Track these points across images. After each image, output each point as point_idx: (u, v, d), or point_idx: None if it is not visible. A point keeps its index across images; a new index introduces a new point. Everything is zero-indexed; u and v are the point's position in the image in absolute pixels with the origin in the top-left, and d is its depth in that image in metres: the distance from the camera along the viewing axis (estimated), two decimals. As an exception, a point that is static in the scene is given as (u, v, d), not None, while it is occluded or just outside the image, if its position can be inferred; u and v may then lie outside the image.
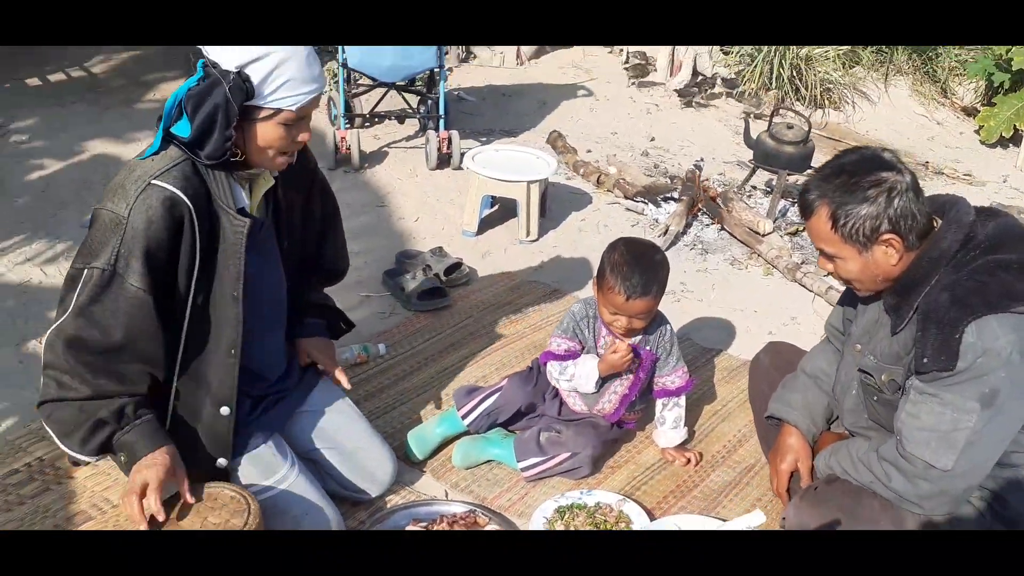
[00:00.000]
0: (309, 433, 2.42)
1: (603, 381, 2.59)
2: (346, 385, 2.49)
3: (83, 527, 2.29)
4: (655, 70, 6.35)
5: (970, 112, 6.91)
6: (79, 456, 2.02)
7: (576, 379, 2.56)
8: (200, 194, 2.00)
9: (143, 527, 1.91)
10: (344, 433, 2.45)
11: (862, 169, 2.06)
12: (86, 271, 1.95)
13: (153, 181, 1.93)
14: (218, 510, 2.03)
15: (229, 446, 2.18)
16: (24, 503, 2.37)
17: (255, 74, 1.93)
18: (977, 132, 6.54)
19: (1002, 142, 6.45)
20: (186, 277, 2.01)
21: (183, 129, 1.95)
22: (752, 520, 2.31)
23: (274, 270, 2.29)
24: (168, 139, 1.99)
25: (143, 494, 1.92)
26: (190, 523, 1.97)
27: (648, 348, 2.62)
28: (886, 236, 2.03)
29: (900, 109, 6.83)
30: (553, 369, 2.60)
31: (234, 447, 2.20)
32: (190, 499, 1.98)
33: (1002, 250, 2.04)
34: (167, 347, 2.05)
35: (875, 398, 2.22)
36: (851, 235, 2.04)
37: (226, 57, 1.92)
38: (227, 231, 2.05)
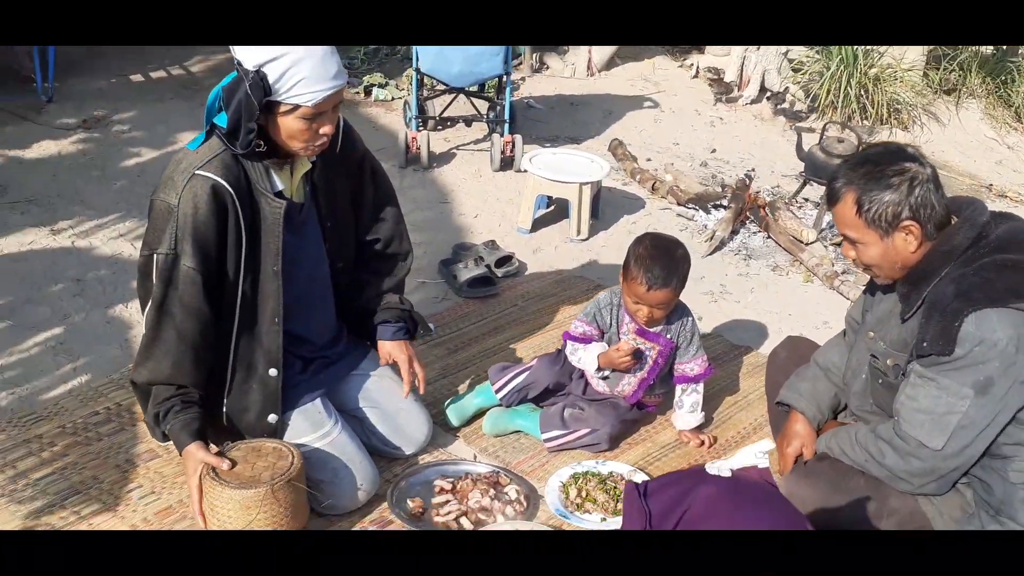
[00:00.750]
0: (356, 393, 2.68)
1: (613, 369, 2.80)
2: (407, 393, 2.68)
3: (150, 464, 2.60)
4: (727, 85, 6.50)
5: (1045, 137, 6.88)
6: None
7: (581, 362, 2.80)
8: (240, 180, 2.25)
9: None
10: (387, 395, 2.70)
11: (886, 159, 2.23)
12: (155, 257, 2.23)
13: (197, 172, 2.19)
14: (265, 456, 2.30)
15: (279, 403, 2.45)
16: (102, 439, 2.69)
17: (272, 72, 2.14)
18: (1050, 158, 6.52)
19: (1072, 170, 6.43)
20: (235, 255, 2.29)
21: (223, 120, 2.21)
22: (762, 447, 2.51)
23: (314, 248, 2.52)
24: (212, 130, 2.25)
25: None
26: (242, 469, 2.24)
27: (668, 336, 2.81)
28: (906, 223, 2.19)
29: (970, 132, 6.84)
30: (568, 347, 2.83)
31: (284, 403, 2.47)
32: (225, 466, 2.25)
33: (1010, 250, 2.18)
34: (223, 321, 2.33)
35: (880, 381, 2.37)
36: (874, 220, 2.20)
37: (247, 56, 2.15)
38: (266, 213, 2.31)
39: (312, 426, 2.48)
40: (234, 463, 2.26)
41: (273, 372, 2.42)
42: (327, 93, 2.20)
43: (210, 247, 2.25)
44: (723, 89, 6.40)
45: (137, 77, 6.11)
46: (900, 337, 2.31)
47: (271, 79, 2.15)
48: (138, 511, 2.43)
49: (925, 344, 2.16)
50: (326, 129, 2.27)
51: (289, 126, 2.23)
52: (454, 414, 2.87)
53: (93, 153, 4.84)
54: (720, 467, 2.54)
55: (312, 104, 2.20)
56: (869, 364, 2.41)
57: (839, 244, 4.34)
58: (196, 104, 5.58)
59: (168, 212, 2.21)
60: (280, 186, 2.36)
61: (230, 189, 2.23)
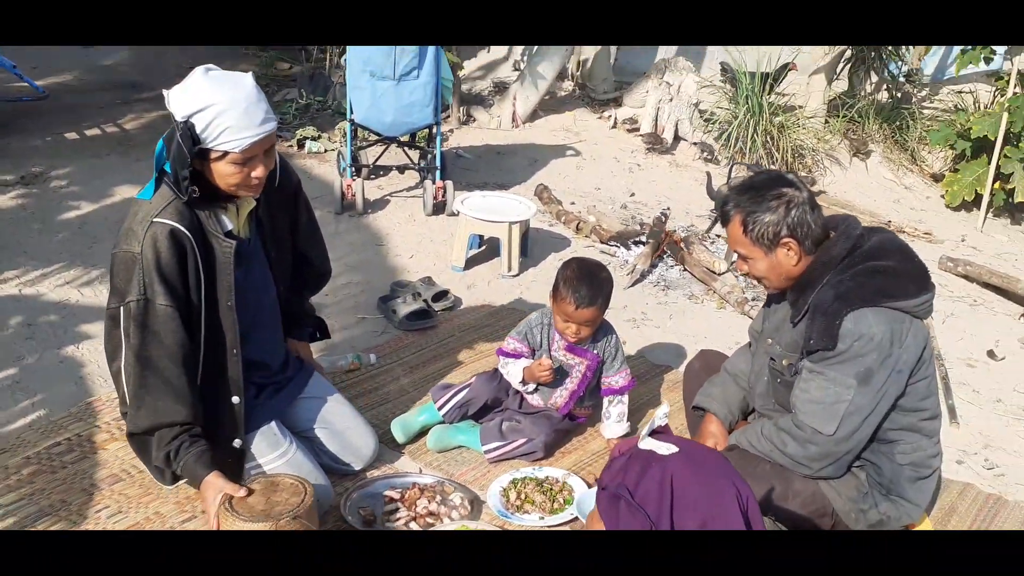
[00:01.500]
0: (306, 415, 2.87)
1: (553, 381, 3.06)
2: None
3: (114, 487, 2.75)
4: (658, 138, 6.87)
5: (938, 178, 7.41)
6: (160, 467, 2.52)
7: (509, 375, 3.08)
8: (194, 224, 2.44)
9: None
10: (335, 415, 2.90)
11: (767, 185, 2.55)
12: (122, 308, 2.40)
13: (155, 219, 2.37)
14: (280, 491, 2.44)
15: (242, 428, 2.63)
16: (66, 467, 2.82)
17: (199, 123, 2.30)
18: (943, 196, 7.03)
19: (965, 205, 6.93)
20: (196, 294, 2.47)
21: (169, 167, 2.41)
22: (659, 412, 2.80)
23: (262, 277, 2.73)
24: (161, 178, 2.44)
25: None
26: (255, 502, 2.38)
27: (595, 351, 3.08)
28: (786, 240, 2.50)
29: (871, 175, 7.34)
30: (500, 362, 3.10)
31: (246, 427, 2.66)
32: (242, 493, 2.41)
33: (881, 258, 2.51)
34: (192, 354, 2.50)
35: (779, 380, 2.67)
36: (758, 238, 2.51)
37: (177, 108, 2.33)
38: (218, 252, 2.50)
39: (270, 447, 2.66)
40: (251, 492, 2.41)
41: (236, 399, 2.59)
42: (253, 139, 2.36)
43: (177, 286, 2.41)
44: (653, 141, 6.77)
45: (72, 135, 6.25)
46: (792, 339, 2.61)
47: (198, 129, 2.31)
48: (107, 527, 2.57)
49: (812, 341, 2.46)
50: (258, 172, 2.43)
51: (221, 171, 2.40)
52: (400, 431, 3.08)
53: (33, 207, 4.97)
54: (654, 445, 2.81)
55: (239, 150, 2.35)
56: (768, 366, 2.71)
57: (748, 274, 4.70)
58: (132, 159, 5.75)
59: (132, 260, 2.37)
60: (229, 226, 2.54)
61: (187, 232, 2.40)
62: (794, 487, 2.58)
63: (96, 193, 5.17)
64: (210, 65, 2.41)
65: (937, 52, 8.29)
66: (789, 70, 7.21)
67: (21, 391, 3.24)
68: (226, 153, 2.37)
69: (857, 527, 2.60)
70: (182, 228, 2.40)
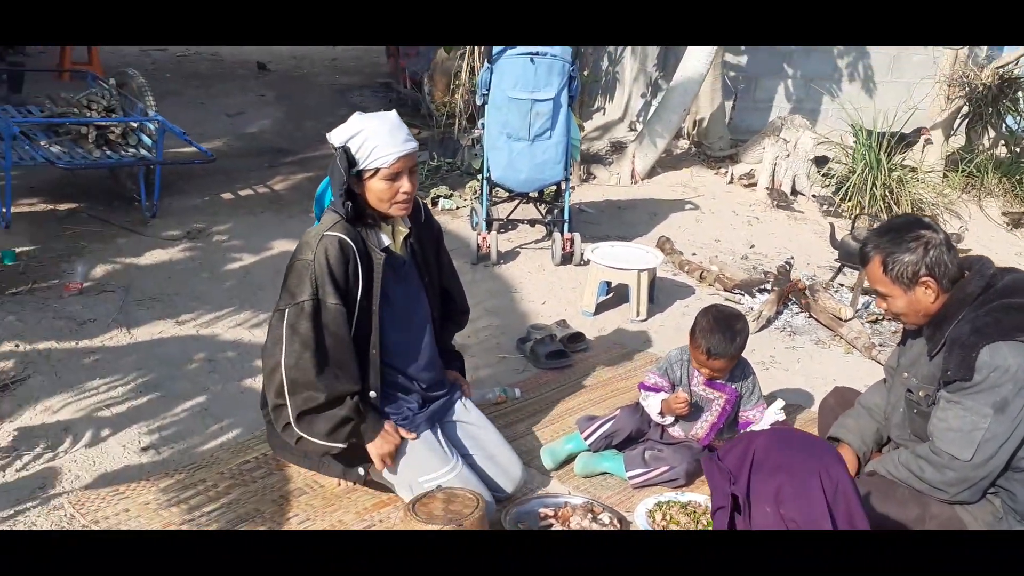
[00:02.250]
0: (459, 436, 3.16)
1: (691, 415, 3.28)
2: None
3: (300, 498, 3.08)
4: (784, 195, 7.06)
5: (1061, 230, 7.36)
6: (332, 445, 2.84)
7: (648, 407, 3.31)
8: (357, 238, 2.87)
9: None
10: (486, 438, 3.19)
11: (905, 228, 2.76)
12: (292, 307, 2.80)
13: (325, 233, 2.83)
14: (457, 502, 2.72)
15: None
16: (256, 481, 3.17)
17: (353, 146, 2.81)
18: (1065, 248, 6.99)
19: (1089, 256, 6.89)
20: (353, 295, 2.87)
21: (331, 197, 2.88)
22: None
23: (415, 294, 3.09)
24: (322, 212, 2.93)
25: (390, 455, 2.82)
26: (435, 508, 2.67)
27: (733, 386, 3.30)
28: (924, 278, 2.70)
29: (991, 227, 7.35)
30: (641, 395, 3.35)
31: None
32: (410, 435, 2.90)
33: (1015, 295, 2.69)
34: (354, 344, 2.88)
35: (915, 411, 2.83)
36: (897, 277, 2.72)
37: (335, 139, 2.83)
38: (375, 263, 2.92)
39: (441, 462, 2.96)
40: (432, 501, 2.73)
41: (373, 395, 2.95)
42: (399, 154, 2.81)
43: (343, 288, 2.83)
44: (779, 198, 6.94)
45: (228, 195, 6.81)
46: (929, 372, 2.78)
47: (353, 151, 2.80)
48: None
49: (949, 373, 2.63)
50: (405, 187, 2.87)
51: (374, 187, 2.86)
52: (548, 458, 3.33)
53: (200, 259, 5.47)
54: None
55: (387, 165, 2.81)
56: (905, 398, 2.88)
57: (875, 321, 4.83)
58: (284, 216, 6.25)
59: (306, 267, 2.81)
60: (386, 242, 2.98)
61: (351, 243, 2.84)
62: (931, 511, 2.73)
63: (255, 246, 5.65)
64: (360, 111, 2.91)
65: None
66: (922, 135, 7.32)
67: (210, 416, 3.63)
68: (377, 170, 2.82)
69: (993, 552, 2.72)
70: (348, 239, 2.83)
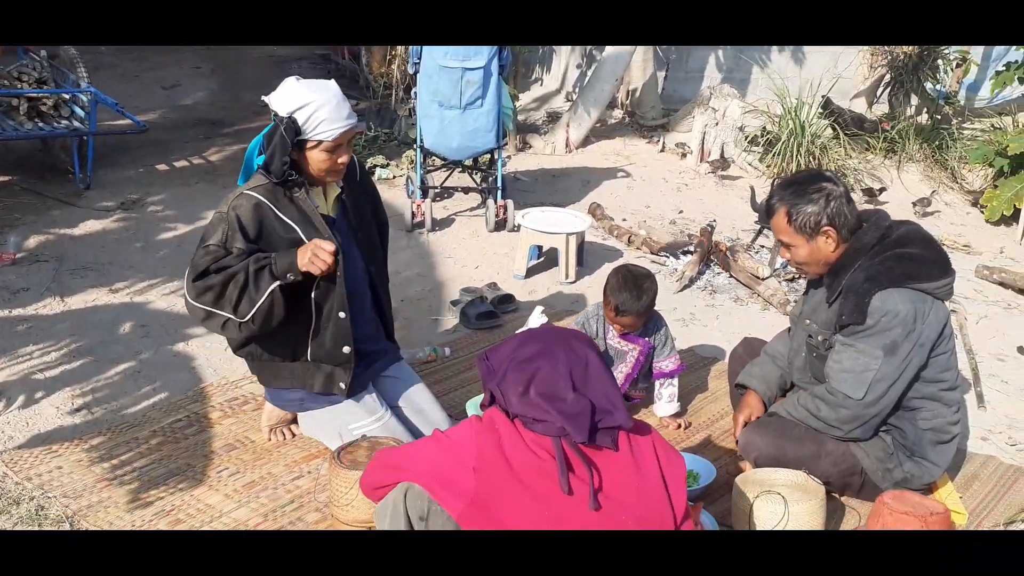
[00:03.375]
0: (391, 391, 3.28)
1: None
2: None
3: (231, 453, 3.18)
4: (691, 152, 7.26)
5: (978, 195, 7.65)
6: (268, 297, 2.83)
7: None
8: (280, 198, 2.93)
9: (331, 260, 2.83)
10: (415, 394, 3.30)
11: (808, 180, 2.94)
12: (198, 250, 2.88)
13: (244, 191, 2.93)
14: (381, 449, 2.81)
15: (350, 339, 3.05)
16: (188, 438, 3.27)
17: (300, 117, 2.88)
18: (982, 212, 7.28)
19: (1004, 220, 7.17)
20: (283, 242, 2.93)
21: (260, 160, 2.96)
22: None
23: (351, 252, 3.15)
24: (248, 171, 3.00)
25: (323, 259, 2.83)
26: (360, 456, 2.77)
27: (646, 339, 3.46)
28: (825, 228, 2.87)
29: (912, 192, 7.62)
30: None
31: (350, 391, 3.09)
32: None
33: (907, 245, 2.87)
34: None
35: (814, 355, 3.01)
36: (801, 227, 2.88)
37: (280, 107, 2.88)
38: (314, 220, 2.97)
39: (367, 412, 3.08)
40: (358, 450, 2.83)
41: (342, 315, 3.02)
42: (342, 129, 2.92)
43: (253, 241, 2.88)
44: (719, 166, 7.12)
45: (162, 166, 6.81)
46: (827, 318, 2.96)
47: (300, 122, 2.88)
48: (228, 484, 3.00)
49: (844, 317, 2.81)
50: (343, 159, 2.99)
51: (315, 158, 2.95)
52: (472, 410, 3.47)
53: (134, 229, 5.49)
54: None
55: (331, 139, 2.91)
56: (806, 343, 3.06)
57: (791, 280, 5.04)
58: (219, 187, 6.28)
59: (220, 219, 2.90)
60: (316, 204, 3.05)
61: (268, 204, 2.92)
62: (826, 447, 2.92)
63: (189, 216, 5.68)
64: (297, 75, 2.97)
65: (974, 74, 8.56)
66: (882, 126, 7.55)
67: (143, 379, 3.71)
68: (320, 142, 2.91)
69: (884, 485, 2.93)
70: (266, 201, 2.91)
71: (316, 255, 2.82)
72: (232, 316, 2.84)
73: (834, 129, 7.41)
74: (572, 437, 2.04)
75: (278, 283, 2.83)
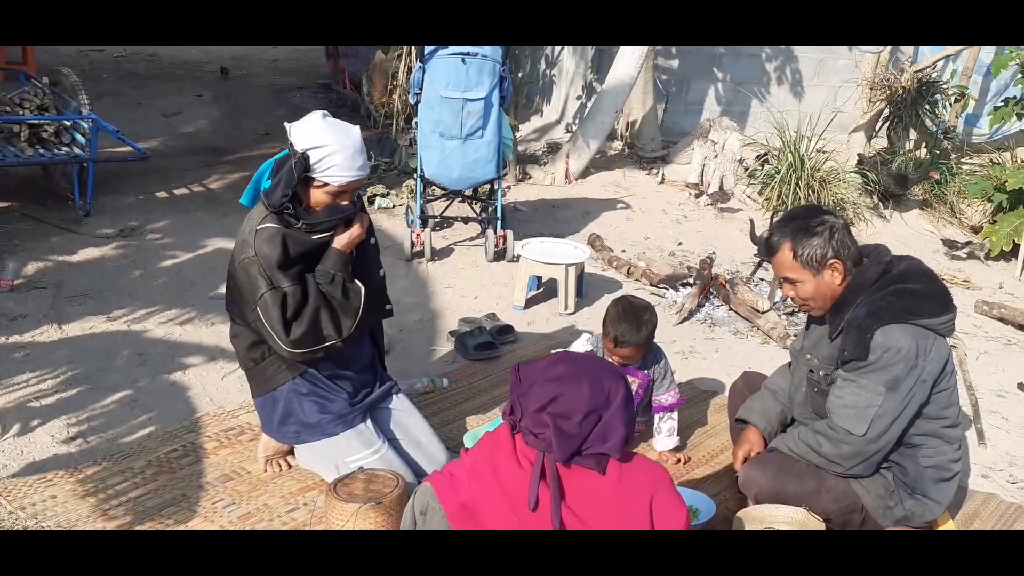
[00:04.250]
0: (388, 422, 3.27)
1: None
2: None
3: (226, 484, 3.15)
4: (704, 190, 7.26)
5: (977, 230, 7.67)
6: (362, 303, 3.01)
7: None
8: (290, 227, 2.95)
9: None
10: (412, 425, 3.29)
11: (808, 215, 2.93)
12: (259, 302, 2.89)
13: (258, 227, 2.93)
14: (378, 482, 2.83)
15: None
16: (183, 469, 3.24)
17: (313, 156, 2.88)
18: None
19: (1003, 256, 7.18)
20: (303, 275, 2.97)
21: (266, 185, 2.98)
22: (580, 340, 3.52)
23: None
24: (256, 193, 3.01)
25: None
26: (356, 488, 2.77)
27: (645, 372, 3.44)
28: (832, 261, 2.86)
29: (911, 227, 7.63)
30: None
31: (342, 425, 3.08)
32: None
33: (909, 281, 2.86)
34: None
35: (816, 390, 3.00)
36: (807, 262, 2.88)
37: (298, 140, 2.90)
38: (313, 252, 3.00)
39: (364, 444, 3.06)
40: (354, 482, 2.83)
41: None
42: (350, 179, 2.94)
43: (291, 270, 2.92)
44: (718, 198, 7.12)
45: (162, 194, 6.81)
46: (829, 353, 2.95)
47: (312, 160, 2.88)
48: (223, 516, 2.98)
49: (846, 353, 2.80)
50: (344, 202, 3.00)
51: (317, 197, 2.97)
52: (471, 441, 3.45)
53: (133, 256, 5.48)
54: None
55: (337, 185, 2.93)
56: (807, 378, 3.04)
57: (791, 313, 5.03)
58: (219, 215, 6.27)
59: (251, 263, 2.90)
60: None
61: (285, 232, 2.94)
62: (827, 484, 2.90)
63: (189, 244, 5.68)
64: (326, 112, 2.95)
65: (974, 109, 8.61)
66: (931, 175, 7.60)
67: (139, 407, 3.68)
68: (326, 184, 2.92)
69: (884, 522, 2.91)
70: (282, 228, 2.93)
71: (350, 234, 3.00)
72: (338, 341, 2.96)
73: (868, 187, 7.40)
74: (554, 455, 2.08)
75: (360, 286, 3.01)
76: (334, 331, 2.95)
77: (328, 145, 2.86)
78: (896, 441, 2.86)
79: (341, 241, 3.00)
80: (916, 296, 2.82)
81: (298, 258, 2.95)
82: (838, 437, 2.84)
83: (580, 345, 3.61)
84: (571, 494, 2.10)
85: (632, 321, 3.31)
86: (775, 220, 3.05)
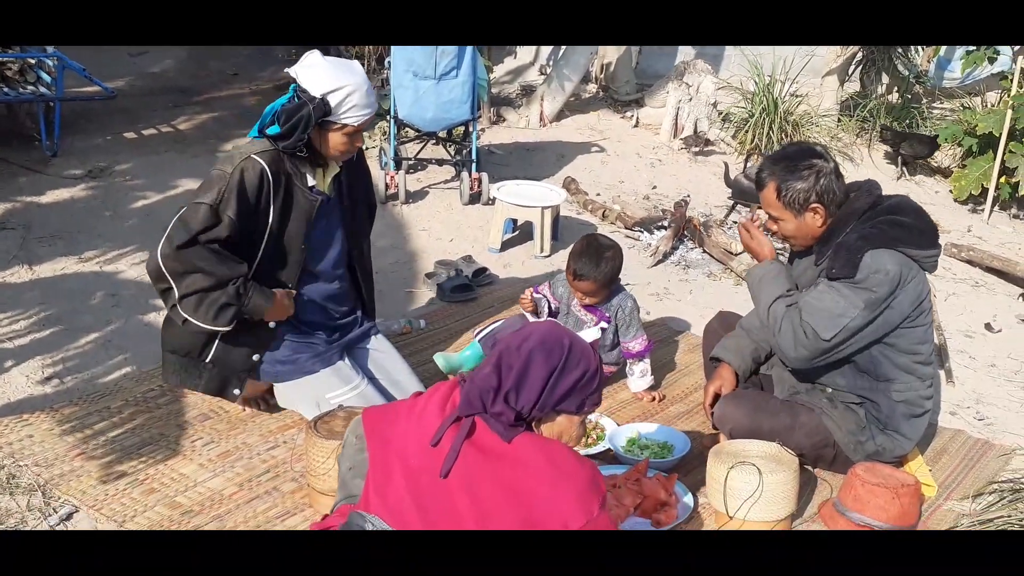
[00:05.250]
0: (366, 361, 3.28)
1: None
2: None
3: (205, 423, 3.16)
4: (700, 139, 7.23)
5: (947, 174, 7.74)
6: (217, 328, 2.88)
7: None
8: (280, 171, 2.92)
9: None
10: (391, 365, 3.31)
11: (799, 155, 2.94)
12: (191, 206, 2.86)
13: (252, 155, 2.89)
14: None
15: (266, 347, 3.06)
16: (161, 408, 3.24)
17: (333, 99, 2.85)
18: (951, 191, 7.36)
19: (973, 199, 7.26)
20: (263, 220, 2.93)
21: (274, 130, 2.89)
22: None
23: (337, 232, 3.17)
24: (261, 134, 2.93)
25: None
26: (335, 425, 2.74)
27: (607, 313, 3.48)
28: (814, 205, 2.88)
29: (881, 170, 7.68)
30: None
31: (321, 362, 3.09)
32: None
33: (899, 214, 2.90)
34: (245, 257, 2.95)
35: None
36: (790, 203, 2.89)
37: (313, 86, 2.85)
38: (299, 201, 2.98)
39: (342, 381, 3.07)
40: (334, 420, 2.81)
41: (272, 324, 3.04)
42: (368, 116, 2.93)
43: (246, 209, 2.87)
44: (696, 142, 7.10)
45: (130, 134, 6.69)
46: (812, 277, 2.97)
47: (332, 104, 2.85)
48: (203, 454, 2.98)
49: (834, 271, 2.82)
50: (358, 143, 3.00)
51: (335, 140, 2.94)
52: (441, 360, 3.50)
53: (102, 197, 5.41)
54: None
55: (357, 123, 2.91)
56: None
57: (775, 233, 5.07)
58: (188, 156, 6.19)
59: (221, 177, 2.87)
60: (312, 182, 3.02)
61: (270, 177, 2.90)
62: (800, 419, 2.95)
63: (159, 185, 5.60)
64: (316, 51, 2.91)
65: (946, 54, 8.62)
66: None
67: (114, 348, 3.66)
68: (345, 126, 2.90)
69: (856, 457, 2.96)
70: (267, 169, 2.88)
71: (285, 309, 2.97)
72: (176, 302, 2.87)
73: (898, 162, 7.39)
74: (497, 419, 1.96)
75: (225, 330, 2.90)
76: (185, 292, 2.87)
77: (345, 86, 2.84)
78: (845, 359, 2.89)
79: (273, 311, 2.96)
80: (905, 227, 2.85)
81: (251, 211, 2.89)
82: (801, 337, 2.82)
83: (589, 336, 3.44)
84: (474, 450, 1.95)
85: (592, 256, 3.35)
86: (766, 158, 3.05)
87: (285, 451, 3.02)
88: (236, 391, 3.07)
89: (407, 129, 5.69)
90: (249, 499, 2.78)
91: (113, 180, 5.71)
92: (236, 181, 2.84)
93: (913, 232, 2.83)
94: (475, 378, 2.01)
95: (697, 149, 7.02)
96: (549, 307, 3.59)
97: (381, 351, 3.33)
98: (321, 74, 2.85)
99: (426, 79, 5.32)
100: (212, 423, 3.16)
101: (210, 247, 2.84)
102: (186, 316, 2.89)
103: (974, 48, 7.02)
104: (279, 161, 2.92)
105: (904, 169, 7.30)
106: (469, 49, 5.30)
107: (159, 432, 3.09)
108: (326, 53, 2.97)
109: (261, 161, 2.88)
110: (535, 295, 3.58)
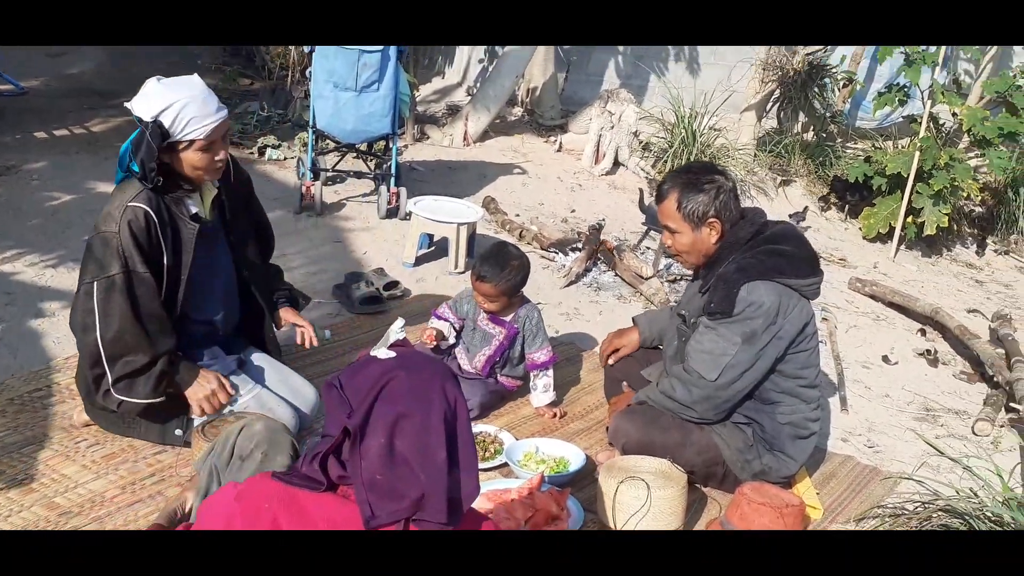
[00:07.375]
0: (254, 370, 3.21)
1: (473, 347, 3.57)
2: (308, 343, 3.29)
3: (92, 426, 3.06)
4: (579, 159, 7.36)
5: (857, 212, 7.97)
6: (152, 401, 2.83)
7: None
8: (161, 208, 2.84)
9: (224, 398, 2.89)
10: (278, 369, 3.26)
11: (702, 171, 3.02)
12: (100, 281, 2.75)
13: (128, 204, 2.78)
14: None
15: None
16: (48, 408, 3.16)
17: (166, 119, 2.72)
18: (860, 229, 7.59)
19: (880, 237, 7.49)
20: (160, 260, 2.85)
21: (135, 168, 2.80)
22: (395, 327, 3.14)
23: (224, 255, 3.11)
24: (128, 173, 2.85)
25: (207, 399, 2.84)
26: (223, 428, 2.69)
27: (515, 325, 3.50)
28: (711, 220, 2.95)
29: (794, 205, 7.89)
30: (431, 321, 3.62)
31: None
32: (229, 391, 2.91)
33: (780, 243, 2.98)
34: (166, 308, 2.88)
35: (683, 339, 3.09)
36: (689, 215, 2.96)
37: (143, 112, 2.74)
38: (183, 233, 2.90)
39: (242, 387, 3.01)
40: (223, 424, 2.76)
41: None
42: (213, 124, 2.78)
43: (148, 257, 2.80)
44: (612, 169, 7.16)
45: (41, 134, 6.53)
46: (698, 306, 3.04)
47: (167, 124, 2.73)
48: (87, 456, 2.90)
49: (712, 305, 2.90)
50: (220, 155, 2.87)
51: (190, 159, 2.82)
52: (395, 335, 3.43)
53: (7, 196, 5.25)
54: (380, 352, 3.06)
55: (203, 136, 2.78)
56: (677, 329, 3.14)
57: (673, 281, 5.15)
58: (100, 158, 6.04)
59: (111, 239, 2.76)
60: (194, 209, 2.95)
61: (154, 214, 2.81)
62: (692, 437, 3.00)
63: (68, 186, 5.46)
64: (159, 76, 2.82)
65: (861, 93, 8.92)
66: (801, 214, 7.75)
67: (3, 347, 3.55)
68: (192, 142, 2.77)
69: (743, 476, 3.02)
70: (151, 210, 2.79)
71: (213, 400, 2.89)
72: (110, 386, 2.80)
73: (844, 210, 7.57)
74: (429, 519, 1.72)
75: (157, 400, 2.85)
76: (126, 387, 2.81)
77: (175, 102, 2.71)
78: (749, 395, 2.98)
79: (195, 394, 2.88)
80: (785, 256, 2.93)
81: (157, 242, 2.82)
82: (691, 380, 2.93)
83: (394, 334, 3.49)
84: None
85: (497, 261, 3.39)
86: (671, 171, 3.13)
87: (172, 456, 2.95)
88: (178, 431, 2.97)
89: (327, 140, 5.66)
90: (131, 502, 2.71)
91: (20, 179, 5.55)
92: (128, 235, 2.75)
93: (793, 261, 2.91)
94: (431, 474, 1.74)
95: (614, 176, 7.12)
96: (453, 328, 3.59)
97: (267, 361, 3.28)
98: (150, 97, 2.74)
99: (347, 90, 5.29)
100: (96, 427, 3.07)
101: (141, 323, 2.78)
102: (121, 398, 2.81)
103: (885, 90, 7.27)
104: (156, 198, 2.82)
105: (845, 214, 7.58)
106: (391, 63, 5.30)
107: (42, 432, 3.00)
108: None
109: (141, 205, 2.78)
110: (436, 321, 3.57)
